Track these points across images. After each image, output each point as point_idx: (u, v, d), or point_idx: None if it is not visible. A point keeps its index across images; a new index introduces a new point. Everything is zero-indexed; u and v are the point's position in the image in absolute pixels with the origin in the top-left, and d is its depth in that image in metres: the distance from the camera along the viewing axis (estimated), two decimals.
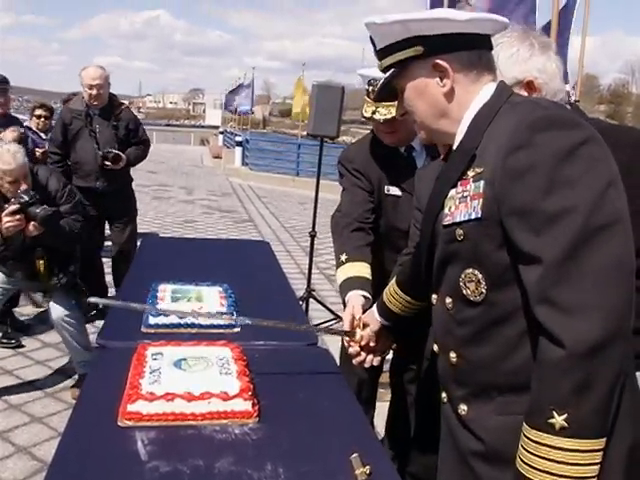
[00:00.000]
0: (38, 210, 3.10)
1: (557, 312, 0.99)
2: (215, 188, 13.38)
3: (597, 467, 0.99)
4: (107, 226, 4.86)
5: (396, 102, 2.06)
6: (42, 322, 4.37)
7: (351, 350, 1.75)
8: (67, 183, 3.54)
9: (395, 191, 2.29)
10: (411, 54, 1.23)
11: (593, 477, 0.99)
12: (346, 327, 1.78)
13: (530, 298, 1.05)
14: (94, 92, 4.31)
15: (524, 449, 1.04)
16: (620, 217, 1.02)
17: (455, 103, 1.24)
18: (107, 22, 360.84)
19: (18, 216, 3.07)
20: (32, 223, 3.11)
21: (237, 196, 12.49)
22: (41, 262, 3.31)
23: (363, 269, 2.09)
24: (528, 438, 1.03)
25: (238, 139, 18.19)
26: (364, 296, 1.95)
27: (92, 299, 1.78)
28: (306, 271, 5.13)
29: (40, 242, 3.24)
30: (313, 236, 5.08)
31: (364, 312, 1.82)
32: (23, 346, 4.01)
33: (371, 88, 2.12)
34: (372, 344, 1.75)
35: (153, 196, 10.86)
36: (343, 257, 2.15)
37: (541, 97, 1.48)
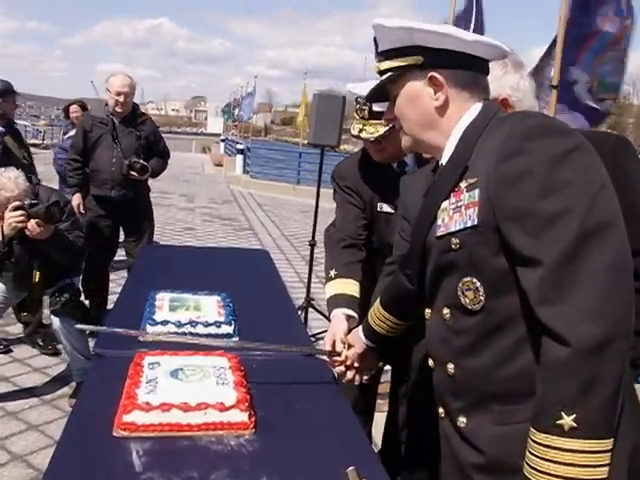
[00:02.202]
0: (39, 207, 3.10)
1: (560, 312, 0.99)
2: (216, 196, 13.38)
3: (607, 469, 0.98)
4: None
5: (383, 120, 2.08)
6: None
7: (336, 369, 1.78)
8: (67, 202, 3.53)
9: (387, 208, 2.28)
10: (411, 62, 1.25)
11: (604, 479, 0.97)
12: (326, 347, 1.80)
13: (531, 300, 1.05)
14: (121, 99, 4.24)
15: (532, 454, 1.02)
16: (615, 218, 1.03)
17: (445, 117, 1.27)
18: (110, 29, 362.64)
19: (20, 212, 3.07)
20: (34, 220, 3.09)
21: (238, 204, 12.50)
22: (37, 273, 3.32)
23: (351, 286, 2.09)
24: (535, 442, 1.02)
25: (239, 147, 18.23)
26: (348, 315, 1.95)
27: (79, 326, 1.78)
28: (306, 280, 5.13)
29: (41, 253, 3.24)
30: (313, 245, 5.08)
31: (350, 330, 1.83)
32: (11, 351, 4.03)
33: (358, 106, 2.13)
34: (357, 364, 1.77)
35: (153, 203, 10.78)
36: (332, 273, 2.15)
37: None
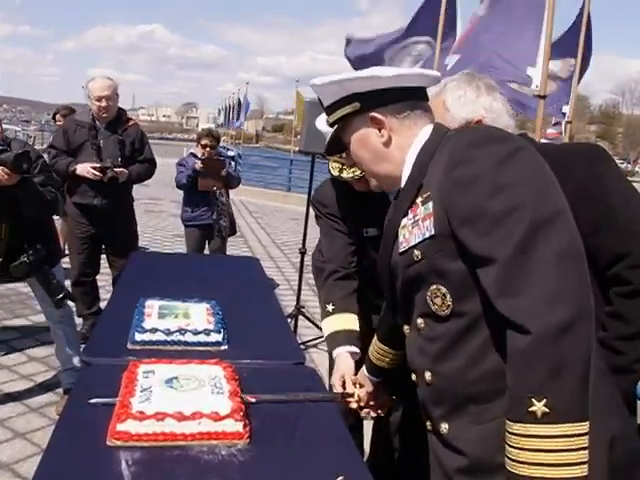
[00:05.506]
0: (8, 155, 2.90)
1: (518, 302, 1.03)
2: None
3: (586, 452, 0.99)
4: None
5: None
6: (27, 336, 4.34)
7: (352, 406, 1.77)
8: (40, 155, 3.31)
9: (374, 232, 2.24)
10: (350, 110, 1.35)
11: (584, 462, 0.98)
12: (337, 389, 1.82)
13: (491, 297, 1.08)
14: (103, 104, 4.03)
15: (511, 446, 1.04)
16: (563, 208, 1.08)
17: (394, 148, 1.34)
18: (102, 35, 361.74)
19: None
20: (1, 168, 2.88)
21: None
22: (4, 225, 3.09)
23: (349, 321, 2.08)
24: (512, 433, 1.03)
25: (230, 154, 18.22)
26: (352, 352, 1.95)
27: (93, 400, 1.65)
28: (296, 288, 5.12)
29: (9, 200, 3.00)
30: (303, 253, 5.07)
31: (356, 365, 1.84)
32: None
33: None
34: (372, 402, 1.78)
35: (144, 209, 10.77)
36: (330, 307, 2.14)
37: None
